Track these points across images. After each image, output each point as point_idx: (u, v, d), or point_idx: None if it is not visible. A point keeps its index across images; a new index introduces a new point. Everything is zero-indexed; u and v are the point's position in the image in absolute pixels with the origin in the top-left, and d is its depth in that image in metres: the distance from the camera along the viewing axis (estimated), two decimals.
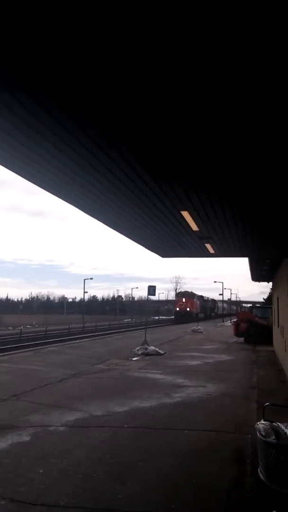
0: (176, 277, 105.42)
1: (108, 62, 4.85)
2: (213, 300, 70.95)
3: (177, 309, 53.65)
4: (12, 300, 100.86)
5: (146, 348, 14.75)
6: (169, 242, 11.65)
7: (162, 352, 14.74)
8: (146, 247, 12.29)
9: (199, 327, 29.83)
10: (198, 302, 56.68)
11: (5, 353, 15.15)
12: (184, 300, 53.81)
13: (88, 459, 4.69)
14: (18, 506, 3.60)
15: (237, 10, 3.60)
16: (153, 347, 14.92)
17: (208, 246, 10.13)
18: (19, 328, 34.25)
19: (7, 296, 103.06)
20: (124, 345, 17.51)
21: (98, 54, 4.25)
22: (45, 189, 9.32)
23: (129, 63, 4.95)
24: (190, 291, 58.69)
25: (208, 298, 66.24)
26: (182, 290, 61.68)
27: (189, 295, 55.59)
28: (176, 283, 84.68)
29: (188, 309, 51.87)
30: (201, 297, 60.69)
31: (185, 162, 6.23)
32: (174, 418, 6.52)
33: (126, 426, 5.98)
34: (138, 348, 14.93)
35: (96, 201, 9.33)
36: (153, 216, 9.41)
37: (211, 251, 10.89)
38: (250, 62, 3.82)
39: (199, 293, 71.06)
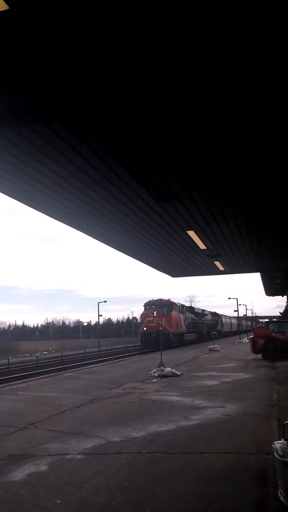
0: (190, 296, 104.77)
1: (109, 97, 4.99)
2: (214, 314, 54.03)
3: (144, 328, 34.17)
4: (28, 327, 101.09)
5: (163, 370, 14.59)
6: (177, 262, 11.68)
7: (179, 373, 14.56)
8: (155, 268, 12.34)
9: (215, 345, 29.46)
10: (181, 316, 37.72)
11: (22, 380, 15.11)
12: (154, 314, 34.25)
13: (107, 487, 4.62)
14: None
15: (236, 18, 3.69)
16: (169, 369, 14.75)
17: (217, 263, 10.13)
18: (35, 354, 34.19)
19: (23, 323, 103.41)
20: (140, 368, 17.35)
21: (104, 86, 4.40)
22: (53, 218, 9.52)
23: (132, 94, 5.09)
24: (166, 298, 37.00)
25: (203, 310, 48.91)
26: (154, 299, 36.74)
27: (163, 305, 35.30)
28: (190, 301, 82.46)
29: (160, 327, 29.86)
30: (190, 308, 43.44)
31: (186, 183, 6.29)
32: (193, 441, 6.40)
33: (144, 451, 5.90)
34: (155, 370, 14.77)
35: (102, 226, 9.50)
36: (160, 237, 9.49)
37: (221, 268, 10.87)
38: (267, 85, 3.90)
39: (213, 310, 55.81)
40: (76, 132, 5.84)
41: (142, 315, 37.32)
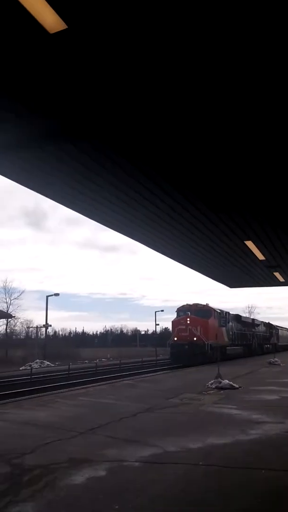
0: (249, 307, 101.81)
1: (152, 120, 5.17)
2: (268, 325, 47.07)
3: (175, 338, 29.26)
4: (88, 334, 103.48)
5: (220, 382, 14.37)
6: (235, 273, 11.57)
7: (236, 386, 14.27)
8: (212, 278, 12.28)
9: (275, 359, 28.47)
10: (221, 325, 29.17)
11: (82, 386, 15.57)
12: (188, 321, 28.95)
13: (163, 497, 4.68)
14: None
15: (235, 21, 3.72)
16: (227, 381, 14.51)
17: (277, 274, 9.90)
18: (94, 361, 34.96)
19: (83, 330, 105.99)
20: (197, 379, 17.20)
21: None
22: (115, 230, 9.87)
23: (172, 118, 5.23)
24: (204, 303, 31.24)
25: (254, 320, 43.40)
26: (189, 303, 31.21)
27: (199, 312, 29.86)
28: (249, 312, 79.56)
29: (195, 338, 27.53)
30: (236, 317, 37.34)
31: (244, 195, 6.30)
32: (250, 456, 6.28)
33: (200, 463, 5.88)
34: (212, 382, 14.59)
35: (161, 238, 9.68)
36: (217, 247, 9.50)
37: (281, 279, 10.61)
38: None
39: (275, 323, 49.80)
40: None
41: (173, 322, 31.11)
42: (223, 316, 31.02)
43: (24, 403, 10.85)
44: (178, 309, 31.59)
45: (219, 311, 31.47)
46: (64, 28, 3.94)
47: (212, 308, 31.01)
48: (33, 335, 46.77)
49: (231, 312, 36.91)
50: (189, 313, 30.07)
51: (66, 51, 4.35)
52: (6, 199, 77.76)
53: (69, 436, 7.25)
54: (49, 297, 40.26)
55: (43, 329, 41.50)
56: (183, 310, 30.87)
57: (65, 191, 8.07)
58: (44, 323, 39.58)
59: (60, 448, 6.53)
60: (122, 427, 8.09)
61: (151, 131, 5.79)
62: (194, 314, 29.61)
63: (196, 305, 30.68)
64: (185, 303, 31.10)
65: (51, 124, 5.86)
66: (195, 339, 27.91)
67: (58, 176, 7.44)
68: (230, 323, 33.76)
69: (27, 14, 3.79)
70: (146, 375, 19.42)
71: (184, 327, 29.08)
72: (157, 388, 14.54)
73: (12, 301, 40.80)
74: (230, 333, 33.89)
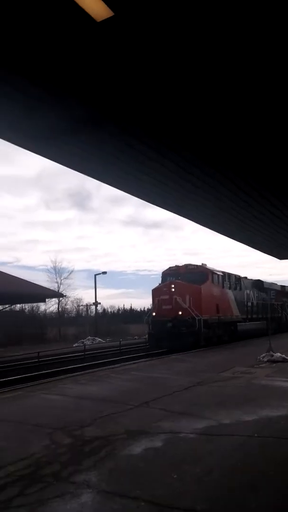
0: None
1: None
2: None
3: (153, 314, 21.34)
4: (136, 310, 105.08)
5: (272, 355, 14.25)
6: (283, 241, 11.49)
7: None
8: (260, 250, 12.11)
9: None
10: (228, 292, 23.25)
11: (134, 361, 15.97)
12: (172, 288, 20.62)
13: (220, 467, 4.78)
14: (157, 508, 3.84)
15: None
16: (279, 354, 14.35)
17: None
18: (144, 337, 35.61)
19: (131, 307, 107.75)
20: (248, 353, 17.12)
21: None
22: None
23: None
24: (198, 264, 22.45)
25: (284, 287, 33.21)
26: (178, 265, 22.61)
27: (189, 275, 21.43)
28: None
29: (180, 311, 19.88)
30: (256, 283, 28.57)
31: None
32: None
33: (256, 435, 5.93)
34: (264, 355, 14.49)
35: (208, 213, 9.68)
36: (264, 218, 9.50)
37: None
38: None
39: None
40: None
41: (153, 291, 21.75)
42: (230, 280, 23.74)
43: (80, 378, 11.31)
44: (163, 272, 22.62)
45: (220, 273, 22.63)
46: (111, 15, 3.95)
47: (208, 269, 21.75)
48: (83, 313, 48.19)
49: (283, 283, 31.61)
50: (173, 278, 21.50)
51: (113, 38, 4.36)
52: (52, 182, 79.22)
53: (124, 409, 7.51)
54: (97, 276, 41.09)
55: (93, 307, 42.06)
56: (169, 274, 22.07)
57: (112, 171, 8.20)
58: (94, 301, 40.72)
59: (117, 420, 6.79)
60: (175, 400, 8.26)
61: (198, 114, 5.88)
62: (184, 279, 20.94)
63: (186, 266, 21.81)
64: (173, 265, 22.61)
65: (96, 109, 5.92)
66: (180, 313, 19.60)
67: (101, 157, 7.54)
68: (247, 291, 26.04)
69: (74, 4, 3.82)
70: (196, 350, 19.51)
71: (167, 297, 20.32)
72: (207, 362, 14.65)
73: (62, 280, 42.02)
74: (247, 303, 25.77)
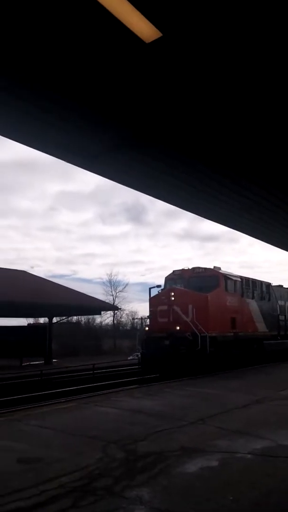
0: None
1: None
2: None
3: (146, 328, 17.82)
4: None
5: None
6: None
7: None
8: None
9: None
10: (246, 302, 18.27)
11: (189, 377, 15.70)
12: (172, 296, 16.02)
13: (279, 490, 4.51)
14: None
15: None
16: None
17: None
18: None
19: None
20: (269, 385, 16.24)
21: None
22: (211, 220, 9.99)
23: None
24: (207, 267, 17.43)
25: None
26: (186, 268, 17.49)
27: (196, 280, 16.94)
28: None
29: (178, 326, 15.36)
30: (281, 289, 22.69)
31: None
32: None
33: None
34: None
35: (260, 224, 9.58)
36: None
37: None
38: None
39: None
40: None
41: (150, 300, 17.47)
42: (253, 287, 18.97)
43: (135, 392, 11.27)
44: (166, 278, 18.07)
45: (238, 278, 17.69)
46: (159, 36, 4.04)
47: (221, 273, 16.87)
48: (138, 326, 48.43)
49: None
50: (177, 284, 17.07)
51: (162, 58, 4.47)
52: (108, 197, 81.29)
53: (179, 425, 7.36)
54: (151, 289, 41.24)
55: (148, 320, 42.13)
56: (173, 280, 17.55)
57: (162, 187, 8.29)
58: (148, 314, 40.52)
59: (171, 436, 6.65)
60: (232, 419, 7.97)
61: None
62: (190, 285, 16.63)
63: (193, 269, 17.24)
64: (178, 268, 17.92)
65: (148, 126, 6.06)
66: (178, 328, 15.15)
67: (154, 174, 7.67)
68: (281, 302, 21.50)
69: (123, 26, 3.96)
70: (253, 366, 18.82)
71: (165, 307, 15.97)
72: (265, 379, 14.08)
73: (117, 293, 42.61)
74: (280, 317, 21.17)
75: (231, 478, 4.89)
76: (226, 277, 17.17)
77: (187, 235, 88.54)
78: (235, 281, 17.68)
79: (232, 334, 16.78)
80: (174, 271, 17.94)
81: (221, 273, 16.98)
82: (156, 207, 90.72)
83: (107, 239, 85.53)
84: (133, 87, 5.07)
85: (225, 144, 6.49)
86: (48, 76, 4.94)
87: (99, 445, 6.08)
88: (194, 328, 14.99)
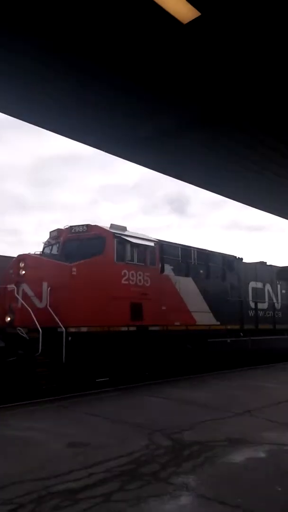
0: None
1: None
2: None
3: None
4: None
5: None
6: None
7: None
8: None
9: None
10: (161, 275, 11.94)
11: (239, 368, 15.47)
12: (22, 269, 9.64)
13: None
14: None
15: None
16: None
17: None
18: None
19: None
20: None
21: None
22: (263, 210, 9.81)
23: None
24: (90, 224, 11.01)
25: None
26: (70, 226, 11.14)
27: (75, 244, 10.90)
28: None
29: (8, 317, 9.39)
30: (234, 262, 15.20)
31: None
32: None
33: None
34: None
35: None
36: None
37: None
38: None
39: None
40: None
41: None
42: (179, 258, 13.04)
43: (181, 383, 11.28)
44: (44, 244, 12.44)
45: (149, 243, 11.74)
46: (197, 15, 4.00)
47: (109, 232, 11.08)
48: None
49: None
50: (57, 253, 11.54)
51: (200, 38, 4.42)
52: (150, 190, 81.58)
53: (225, 416, 7.30)
54: None
55: None
56: (50, 244, 12.13)
57: (211, 176, 8.21)
58: None
59: (217, 427, 6.62)
60: (281, 411, 7.80)
61: None
62: (65, 252, 11.27)
63: (71, 228, 11.56)
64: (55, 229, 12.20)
65: (191, 112, 5.99)
66: (8, 319, 9.69)
67: (200, 163, 7.61)
68: (252, 283, 15.76)
69: (162, 10, 3.95)
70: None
71: (12, 287, 9.85)
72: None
73: None
74: (250, 304, 15.58)
75: (279, 469, 4.80)
76: (122, 239, 10.97)
77: (233, 225, 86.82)
78: (144, 247, 11.50)
79: (134, 328, 10.98)
80: (50, 232, 12.09)
81: (110, 232, 10.96)
82: (200, 198, 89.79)
83: (150, 231, 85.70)
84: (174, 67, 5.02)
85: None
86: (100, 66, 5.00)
87: (145, 432, 6.16)
88: (56, 318, 9.28)
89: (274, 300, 17.02)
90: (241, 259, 15.83)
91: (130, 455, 5.15)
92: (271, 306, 16.79)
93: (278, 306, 17.13)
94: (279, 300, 17.28)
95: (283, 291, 17.54)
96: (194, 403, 8.48)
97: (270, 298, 16.81)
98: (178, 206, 79.55)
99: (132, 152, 7.38)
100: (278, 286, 17.34)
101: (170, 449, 5.49)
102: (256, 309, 15.91)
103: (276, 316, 16.92)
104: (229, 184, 8.40)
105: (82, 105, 5.94)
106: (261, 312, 16.16)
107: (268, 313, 16.61)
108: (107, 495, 4.02)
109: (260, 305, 16.13)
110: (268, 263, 17.51)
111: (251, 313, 15.69)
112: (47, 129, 7.32)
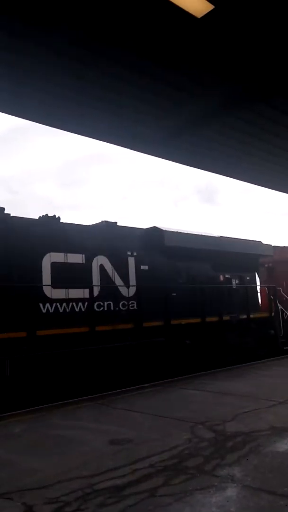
0: None
1: None
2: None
3: None
4: None
5: None
6: None
7: None
8: None
9: None
10: None
11: (279, 356, 15.18)
12: None
13: None
14: None
15: None
16: None
17: None
18: None
19: None
20: None
21: None
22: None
23: None
24: None
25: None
26: None
27: None
28: None
29: None
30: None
31: None
32: None
33: None
34: None
35: None
36: None
37: None
38: None
39: None
40: None
41: None
42: None
43: (219, 375, 11.15)
44: None
45: None
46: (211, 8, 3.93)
47: None
48: None
49: None
50: None
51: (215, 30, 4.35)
52: (178, 182, 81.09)
53: (267, 405, 7.15)
54: None
55: None
56: None
57: (233, 163, 8.08)
58: None
59: (260, 416, 6.49)
60: None
61: None
62: None
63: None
64: None
65: (213, 101, 5.93)
66: None
67: (222, 151, 7.50)
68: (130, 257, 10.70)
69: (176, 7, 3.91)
70: None
71: None
72: None
73: None
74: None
75: None
76: None
77: (268, 211, 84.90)
78: None
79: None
80: None
81: None
82: (228, 187, 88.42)
83: (181, 221, 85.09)
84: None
85: None
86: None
87: (187, 426, 6.10)
88: None
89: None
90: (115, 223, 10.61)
91: (173, 449, 5.12)
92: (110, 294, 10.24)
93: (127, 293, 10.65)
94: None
95: (142, 267, 11.08)
96: (233, 394, 8.36)
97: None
98: (207, 196, 78.28)
99: (159, 148, 7.36)
100: (131, 259, 10.91)
101: (213, 441, 5.42)
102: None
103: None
104: (253, 169, 8.26)
105: (115, 109, 6.04)
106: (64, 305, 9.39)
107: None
108: (152, 490, 3.99)
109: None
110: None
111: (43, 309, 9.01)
112: (84, 135, 7.42)
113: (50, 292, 9.18)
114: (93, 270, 10.00)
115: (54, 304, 9.19)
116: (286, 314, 14.48)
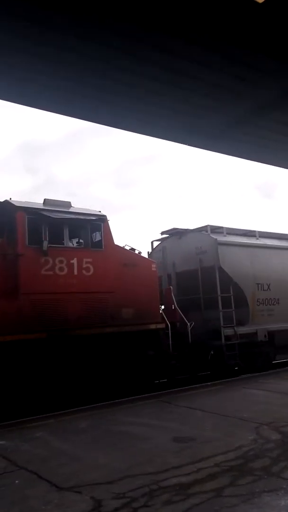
0: None
1: None
2: None
3: None
4: None
5: None
6: None
7: None
8: None
9: None
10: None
11: None
12: None
13: None
14: None
15: None
16: None
17: None
18: None
19: None
20: None
21: None
22: None
23: None
24: None
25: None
26: None
27: None
28: None
29: None
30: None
31: None
32: None
33: None
34: None
35: None
36: None
37: None
38: None
39: None
40: None
41: None
42: None
43: (284, 374, 10.79)
44: None
45: None
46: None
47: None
48: None
49: None
50: None
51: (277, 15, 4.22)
52: (238, 176, 79.54)
53: None
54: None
55: None
56: None
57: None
58: None
59: None
60: None
61: None
62: None
63: None
64: None
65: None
66: None
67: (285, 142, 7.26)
68: None
69: None
70: None
71: None
72: None
73: None
74: None
75: None
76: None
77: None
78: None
79: None
80: None
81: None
82: None
83: (240, 215, 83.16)
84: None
85: None
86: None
87: (251, 426, 5.95)
88: None
89: None
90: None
91: (238, 450, 5.01)
92: None
93: None
94: None
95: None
96: None
97: None
98: (266, 192, 76.33)
99: (214, 142, 7.26)
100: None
101: (280, 442, 5.24)
102: None
103: None
104: None
105: (174, 104, 6.06)
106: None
107: None
108: (219, 490, 3.93)
109: None
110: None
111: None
112: (143, 133, 7.54)
113: None
114: None
115: None
116: None
